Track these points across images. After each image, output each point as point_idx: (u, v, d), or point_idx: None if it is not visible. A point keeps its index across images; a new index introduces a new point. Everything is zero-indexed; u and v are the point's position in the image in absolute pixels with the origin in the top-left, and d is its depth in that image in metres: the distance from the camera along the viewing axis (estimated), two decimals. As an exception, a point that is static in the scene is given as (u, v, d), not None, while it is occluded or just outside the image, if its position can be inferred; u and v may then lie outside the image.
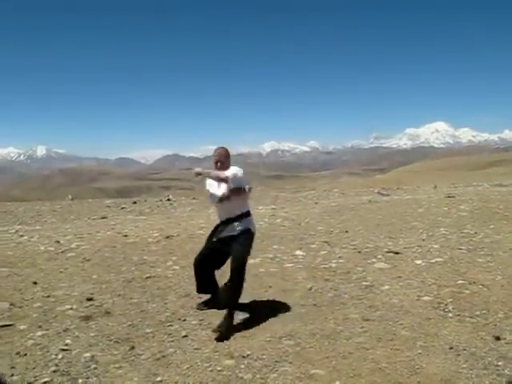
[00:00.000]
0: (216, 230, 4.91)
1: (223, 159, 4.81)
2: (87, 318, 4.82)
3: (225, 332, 4.32)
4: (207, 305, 5.06)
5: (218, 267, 5.03)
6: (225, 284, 4.78)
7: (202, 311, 4.97)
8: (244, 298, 5.04)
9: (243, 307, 4.88)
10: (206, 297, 5.15)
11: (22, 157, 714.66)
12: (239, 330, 4.44)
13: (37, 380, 3.53)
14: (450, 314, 4.69)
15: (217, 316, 4.74)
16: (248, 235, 4.79)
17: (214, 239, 4.88)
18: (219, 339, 4.22)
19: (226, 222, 4.79)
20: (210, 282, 5.06)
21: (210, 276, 5.05)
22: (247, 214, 4.84)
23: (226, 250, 4.77)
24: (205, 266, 4.97)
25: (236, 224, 4.75)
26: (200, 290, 5.12)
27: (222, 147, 4.93)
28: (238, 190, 4.67)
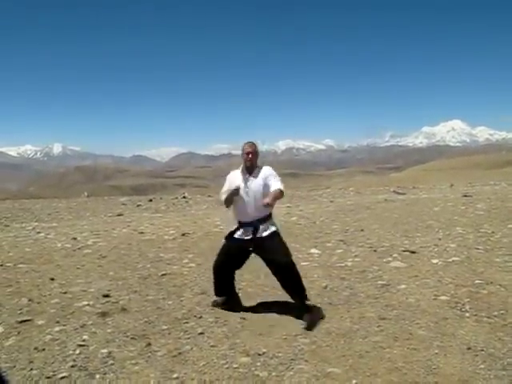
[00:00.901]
0: (236, 231, 4.79)
1: (254, 153, 4.65)
2: (104, 315, 4.86)
3: (314, 323, 4.47)
4: (224, 304, 5.03)
5: (239, 268, 5.02)
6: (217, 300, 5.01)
7: (217, 308, 4.98)
8: (259, 297, 5.05)
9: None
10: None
11: (38, 154, 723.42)
12: (254, 328, 4.45)
13: (55, 375, 3.57)
14: (467, 314, 4.64)
15: (233, 314, 4.76)
16: (279, 236, 4.73)
17: (236, 241, 4.76)
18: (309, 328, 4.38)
19: (250, 224, 4.67)
20: (229, 284, 5.05)
21: (230, 279, 5.03)
22: (271, 216, 4.77)
23: (248, 252, 4.76)
24: (226, 269, 4.94)
25: (265, 225, 4.66)
26: (218, 293, 5.09)
27: (252, 142, 4.77)
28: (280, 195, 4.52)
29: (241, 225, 4.75)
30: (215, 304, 5.07)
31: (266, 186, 4.55)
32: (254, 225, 4.63)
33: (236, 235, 4.77)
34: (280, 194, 4.46)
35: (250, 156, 4.62)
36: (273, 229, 4.68)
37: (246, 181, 4.66)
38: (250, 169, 4.67)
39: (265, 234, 4.64)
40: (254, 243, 4.64)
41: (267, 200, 4.31)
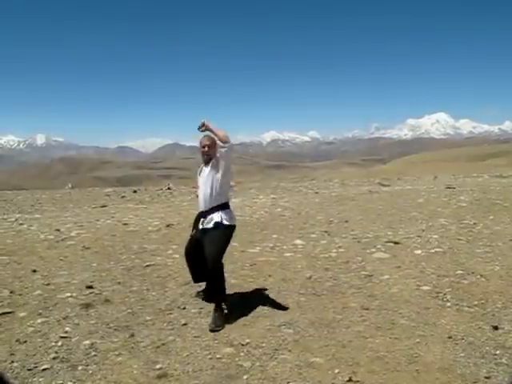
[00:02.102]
0: (198, 219, 4.71)
1: (211, 146, 4.57)
2: (87, 306, 4.83)
3: (219, 326, 4.29)
4: (206, 293, 5.00)
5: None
6: (201, 291, 4.97)
7: (201, 300, 4.98)
8: (243, 288, 5.05)
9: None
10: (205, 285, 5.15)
11: (21, 145, 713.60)
12: (238, 319, 4.46)
13: (37, 367, 3.54)
14: (449, 304, 4.71)
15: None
16: (222, 230, 4.54)
17: (199, 228, 4.67)
18: (214, 331, 4.22)
19: (203, 214, 4.62)
20: (203, 270, 4.75)
21: (202, 264, 4.69)
22: (224, 206, 4.62)
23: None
24: (194, 255, 4.79)
25: (210, 217, 4.56)
26: (196, 280, 5.00)
27: (209, 136, 4.61)
28: (226, 157, 4.48)
29: (199, 214, 4.71)
30: (199, 295, 5.06)
31: (217, 173, 4.52)
32: (203, 215, 4.61)
33: (197, 224, 4.73)
34: (223, 133, 4.39)
35: (207, 149, 4.57)
36: (216, 220, 4.54)
37: (200, 171, 4.75)
38: (208, 161, 4.62)
39: (208, 225, 4.54)
40: (200, 234, 4.62)
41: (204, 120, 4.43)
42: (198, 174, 4.82)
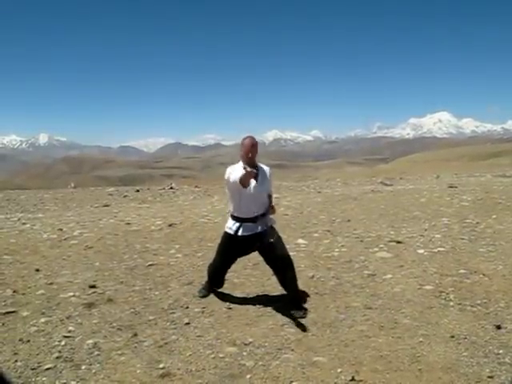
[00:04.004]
0: (239, 228, 4.57)
1: (255, 149, 4.49)
2: (90, 305, 4.84)
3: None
4: (207, 290, 5.12)
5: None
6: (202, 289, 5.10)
7: (204, 299, 4.98)
8: (246, 287, 5.04)
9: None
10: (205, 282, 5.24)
11: (24, 145, 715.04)
12: (241, 318, 4.47)
13: (40, 366, 3.56)
14: (452, 303, 4.70)
15: (219, 304, 4.77)
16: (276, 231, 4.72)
17: (242, 238, 4.56)
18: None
19: (252, 220, 4.52)
20: (224, 276, 5.12)
21: (226, 272, 5.08)
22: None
23: (251, 248, 4.69)
24: (227, 266, 4.99)
25: (266, 220, 4.57)
26: (213, 286, 5.16)
27: (252, 137, 4.54)
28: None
29: (242, 220, 4.55)
30: (201, 294, 5.11)
31: (266, 185, 4.55)
32: (259, 220, 4.51)
33: (240, 232, 4.55)
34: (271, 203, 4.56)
35: (250, 155, 4.43)
36: (272, 223, 4.65)
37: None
38: (251, 165, 4.42)
39: (270, 224, 4.62)
40: (260, 239, 4.52)
41: (271, 210, 4.53)
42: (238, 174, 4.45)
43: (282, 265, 4.61)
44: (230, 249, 4.74)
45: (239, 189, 4.35)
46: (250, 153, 4.43)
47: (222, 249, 4.83)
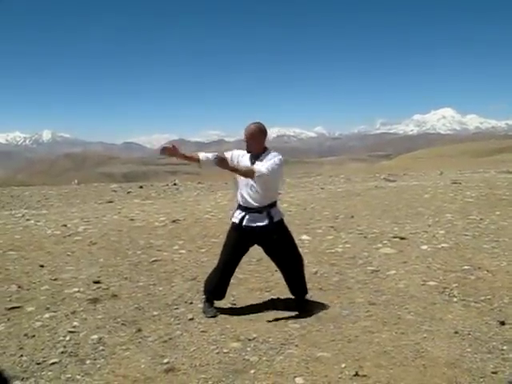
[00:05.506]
0: (243, 218, 4.35)
1: (252, 138, 4.24)
2: (94, 301, 4.87)
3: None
4: (212, 306, 4.63)
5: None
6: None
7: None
8: (249, 282, 5.05)
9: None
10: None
11: (27, 141, 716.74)
12: (245, 313, 4.48)
13: (45, 361, 3.58)
14: (455, 299, 4.70)
15: (223, 300, 4.76)
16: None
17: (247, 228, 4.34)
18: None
19: (256, 210, 4.29)
20: (225, 287, 4.65)
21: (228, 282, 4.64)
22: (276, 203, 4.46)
23: (257, 240, 4.46)
24: (235, 263, 4.57)
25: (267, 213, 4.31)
26: (216, 297, 4.64)
27: (255, 124, 4.29)
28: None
29: (245, 210, 4.34)
30: (212, 315, 4.51)
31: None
32: (267, 211, 4.29)
33: (244, 222, 4.34)
34: (246, 171, 4.10)
35: (247, 140, 4.24)
36: (281, 216, 4.46)
37: (252, 164, 4.21)
38: (254, 153, 4.27)
39: (276, 219, 4.35)
40: (271, 231, 4.31)
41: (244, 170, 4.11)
42: (241, 159, 4.36)
43: (287, 264, 4.57)
44: (236, 240, 4.45)
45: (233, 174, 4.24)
46: (246, 141, 4.26)
47: (226, 241, 4.53)
